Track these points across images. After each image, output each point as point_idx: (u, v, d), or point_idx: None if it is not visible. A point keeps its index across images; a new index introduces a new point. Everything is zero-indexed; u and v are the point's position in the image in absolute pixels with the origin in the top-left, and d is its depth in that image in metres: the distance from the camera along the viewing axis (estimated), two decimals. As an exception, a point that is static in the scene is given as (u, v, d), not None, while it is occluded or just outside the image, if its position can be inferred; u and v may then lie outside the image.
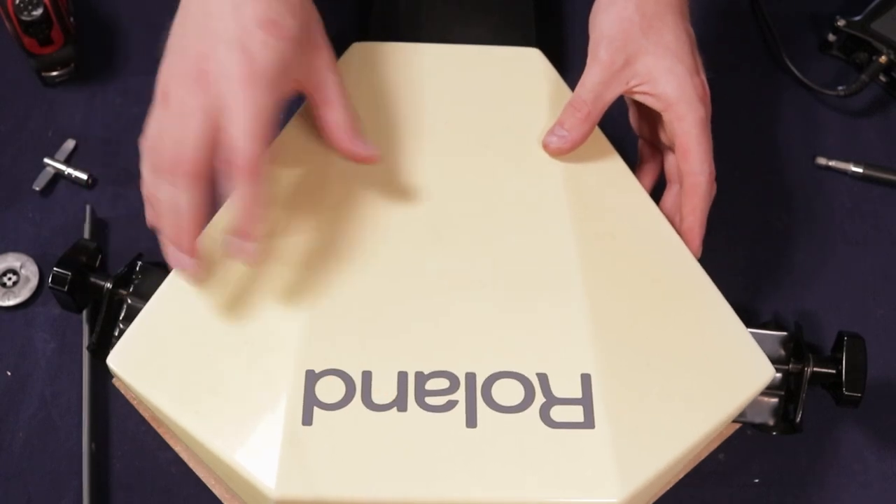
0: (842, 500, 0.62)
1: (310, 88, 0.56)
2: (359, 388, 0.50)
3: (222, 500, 0.58)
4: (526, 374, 0.51)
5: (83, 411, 0.61)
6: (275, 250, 0.55)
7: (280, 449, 0.48)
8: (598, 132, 0.61)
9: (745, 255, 0.70)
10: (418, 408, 0.50)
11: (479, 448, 0.49)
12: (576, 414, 0.50)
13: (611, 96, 0.58)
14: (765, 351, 0.58)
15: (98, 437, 0.61)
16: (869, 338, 0.58)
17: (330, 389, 0.50)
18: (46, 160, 0.71)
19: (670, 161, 0.62)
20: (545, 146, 0.59)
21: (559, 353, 0.52)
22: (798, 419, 0.57)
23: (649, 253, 0.57)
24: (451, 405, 0.50)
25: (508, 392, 0.50)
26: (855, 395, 0.56)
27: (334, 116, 0.56)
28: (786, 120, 0.77)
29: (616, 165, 0.61)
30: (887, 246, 0.71)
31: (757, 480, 0.62)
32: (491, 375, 0.51)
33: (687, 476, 0.58)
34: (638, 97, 0.59)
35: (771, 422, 0.59)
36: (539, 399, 0.50)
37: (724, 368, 0.53)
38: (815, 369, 0.57)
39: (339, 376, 0.50)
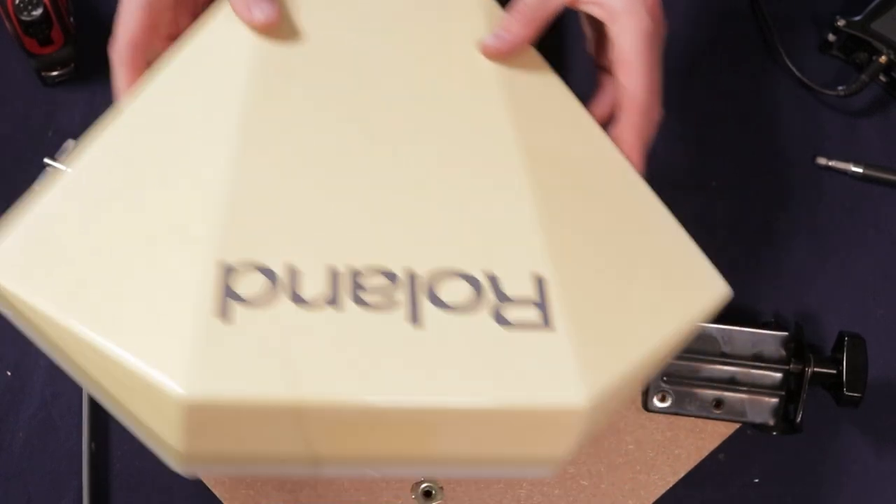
0: (842, 500, 0.62)
1: None
2: (284, 282, 0.43)
3: (222, 500, 0.58)
4: (474, 274, 0.46)
5: (83, 411, 0.61)
6: (186, 136, 0.49)
7: (191, 345, 0.41)
8: (538, 58, 0.59)
9: (745, 255, 0.70)
10: (354, 304, 0.43)
11: (426, 348, 0.43)
12: (532, 314, 0.45)
13: (556, 3, 0.56)
14: (766, 351, 0.58)
15: (98, 437, 0.61)
16: (869, 338, 0.58)
17: (249, 283, 0.43)
18: (46, 160, 0.71)
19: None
20: (483, 48, 0.56)
21: (509, 252, 0.47)
22: (798, 419, 0.57)
23: (593, 164, 0.54)
24: (391, 303, 0.44)
25: (456, 290, 0.45)
26: (855, 395, 0.57)
27: None
28: (786, 120, 0.77)
29: (554, 82, 0.58)
30: (887, 246, 0.72)
31: (757, 480, 0.62)
32: (435, 272, 0.45)
33: (687, 476, 0.58)
34: (584, 7, 0.57)
35: (771, 422, 0.59)
36: (490, 299, 0.45)
37: (678, 280, 0.50)
38: (816, 369, 0.57)
39: (261, 270, 0.44)
